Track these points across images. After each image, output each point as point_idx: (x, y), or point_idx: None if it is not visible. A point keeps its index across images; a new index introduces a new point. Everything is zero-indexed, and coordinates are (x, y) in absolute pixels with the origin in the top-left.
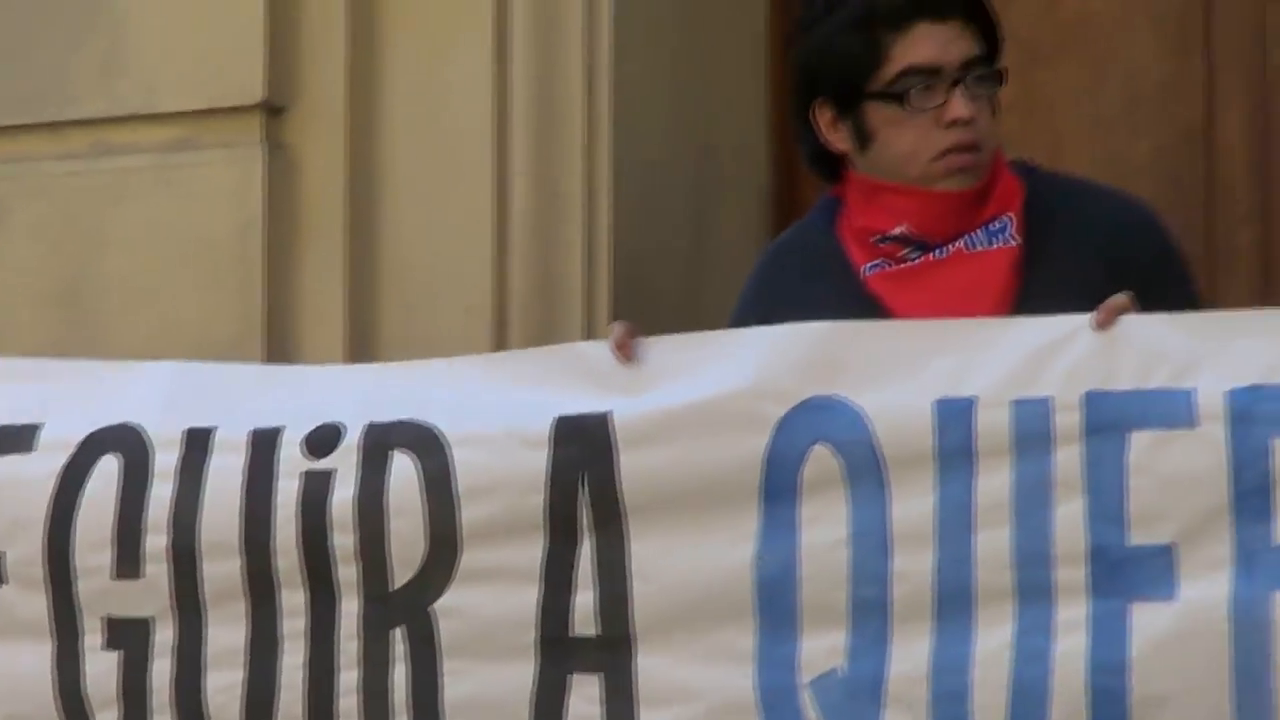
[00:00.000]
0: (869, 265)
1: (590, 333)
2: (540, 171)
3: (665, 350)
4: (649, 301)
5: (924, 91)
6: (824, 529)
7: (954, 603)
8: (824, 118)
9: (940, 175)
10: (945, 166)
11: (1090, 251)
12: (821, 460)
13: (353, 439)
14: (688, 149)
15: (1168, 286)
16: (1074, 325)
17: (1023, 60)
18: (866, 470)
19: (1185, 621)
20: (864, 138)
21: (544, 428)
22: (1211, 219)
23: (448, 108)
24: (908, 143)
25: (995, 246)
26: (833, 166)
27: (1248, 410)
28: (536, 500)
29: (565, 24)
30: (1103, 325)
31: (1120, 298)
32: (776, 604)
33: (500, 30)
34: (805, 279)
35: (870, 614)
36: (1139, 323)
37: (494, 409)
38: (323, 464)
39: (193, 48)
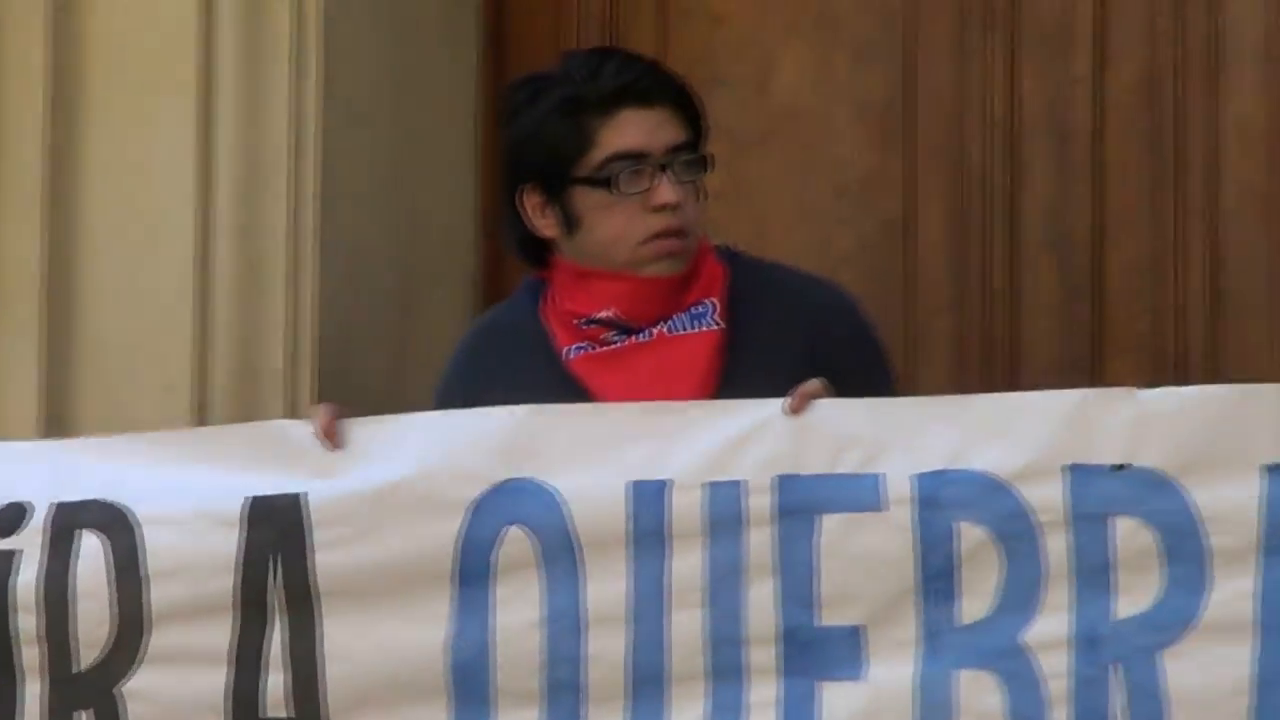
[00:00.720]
0: (572, 348)
1: (293, 414)
2: (243, 250)
3: (366, 431)
4: (353, 384)
5: (631, 176)
6: (518, 611)
7: (647, 684)
8: (531, 202)
9: (648, 260)
10: (653, 251)
11: (790, 337)
12: (516, 542)
13: (39, 519)
14: (395, 230)
15: (865, 373)
16: (768, 410)
17: (730, 149)
18: (561, 552)
19: (872, 701)
20: (571, 222)
21: (236, 508)
22: (910, 308)
23: (149, 182)
24: (615, 227)
25: (697, 330)
26: (539, 252)
27: (933, 495)
28: (227, 582)
29: (272, 99)
30: (795, 410)
31: (813, 383)
32: (470, 686)
33: (204, 104)
34: (508, 360)
35: (564, 695)
36: (831, 407)
37: (186, 488)
38: (6, 544)
39: None
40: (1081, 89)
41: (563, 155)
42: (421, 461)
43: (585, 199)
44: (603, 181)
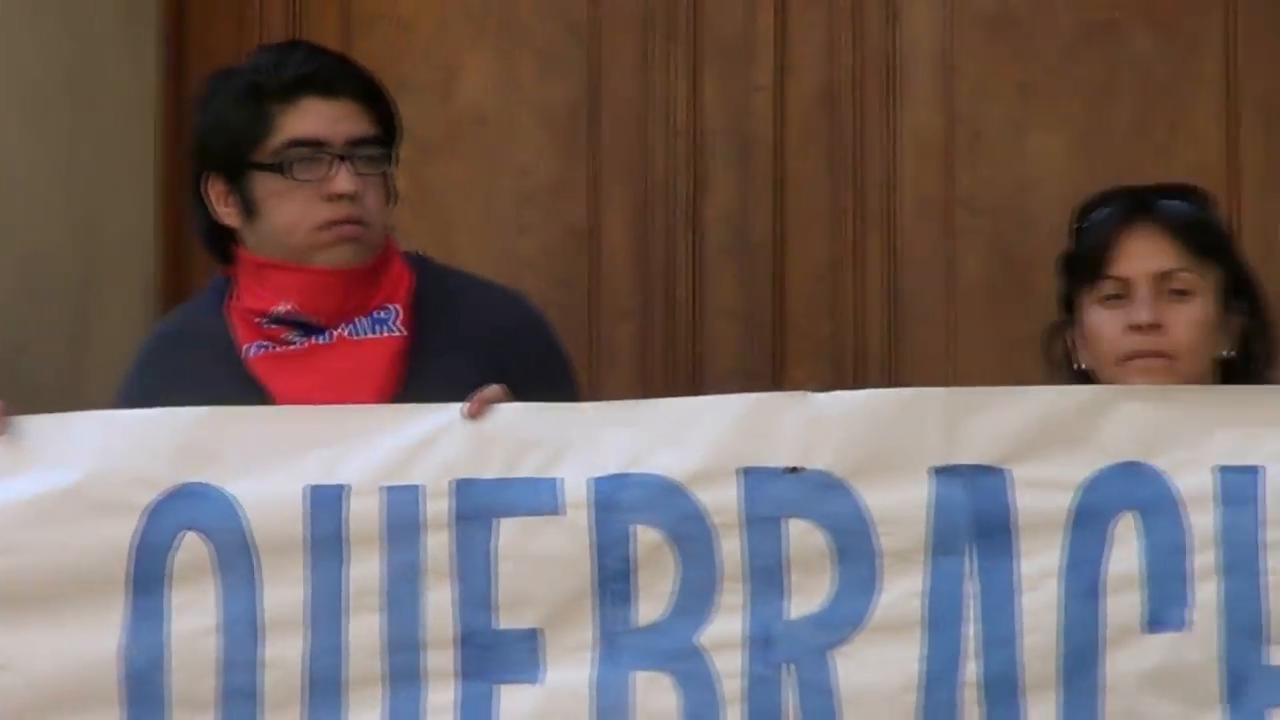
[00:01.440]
0: (252, 346)
1: None
2: None
3: (39, 430)
4: (29, 392)
5: (307, 164)
6: (193, 617)
7: (324, 689)
8: (214, 191)
9: (323, 246)
10: (328, 238)
11: (473, 345)
12: (192, 548)
13: None
14: (70, 234)
15: (547, 380)
16: (447, 414)
17: (414, 154)
18: (238, 557)
19: (550, 703)
20: (250, 209)
21: None
22: (595, 315)
23: None
24: (290, 214)
25: (379, 335)
26: (225, 245)
27: (611, 498)
28: None
29: None
30: (474, 415)
31: (493, 388)
32: (144, 694)
33: None
34: (188, 362)
35: (240, 702)
36: (510, 412)
37: None
38: None
39: None
40: (762, 99)
41: (243, 141)
42: (96, 464)
43: (263, 185)
44: (278, 167)
